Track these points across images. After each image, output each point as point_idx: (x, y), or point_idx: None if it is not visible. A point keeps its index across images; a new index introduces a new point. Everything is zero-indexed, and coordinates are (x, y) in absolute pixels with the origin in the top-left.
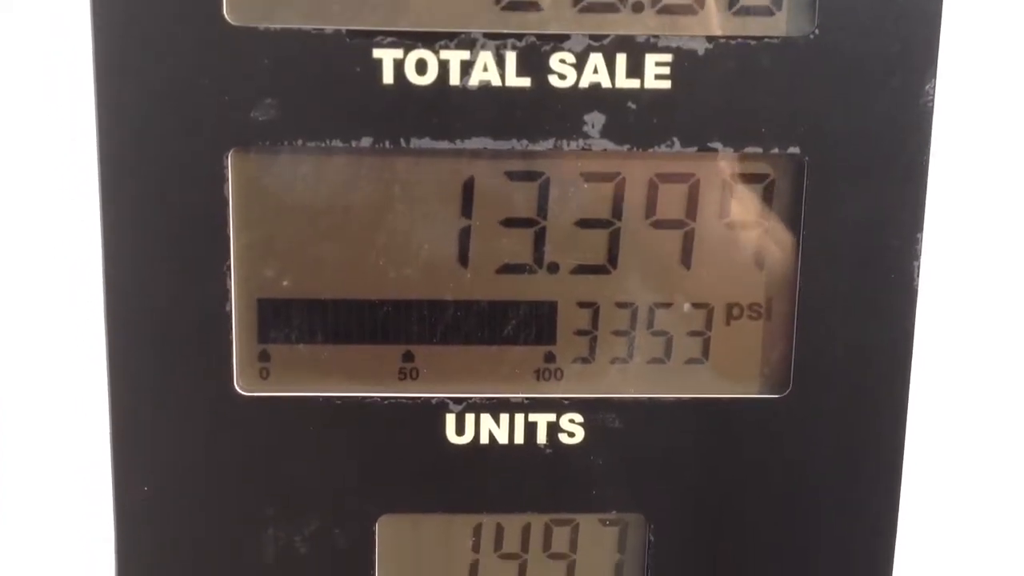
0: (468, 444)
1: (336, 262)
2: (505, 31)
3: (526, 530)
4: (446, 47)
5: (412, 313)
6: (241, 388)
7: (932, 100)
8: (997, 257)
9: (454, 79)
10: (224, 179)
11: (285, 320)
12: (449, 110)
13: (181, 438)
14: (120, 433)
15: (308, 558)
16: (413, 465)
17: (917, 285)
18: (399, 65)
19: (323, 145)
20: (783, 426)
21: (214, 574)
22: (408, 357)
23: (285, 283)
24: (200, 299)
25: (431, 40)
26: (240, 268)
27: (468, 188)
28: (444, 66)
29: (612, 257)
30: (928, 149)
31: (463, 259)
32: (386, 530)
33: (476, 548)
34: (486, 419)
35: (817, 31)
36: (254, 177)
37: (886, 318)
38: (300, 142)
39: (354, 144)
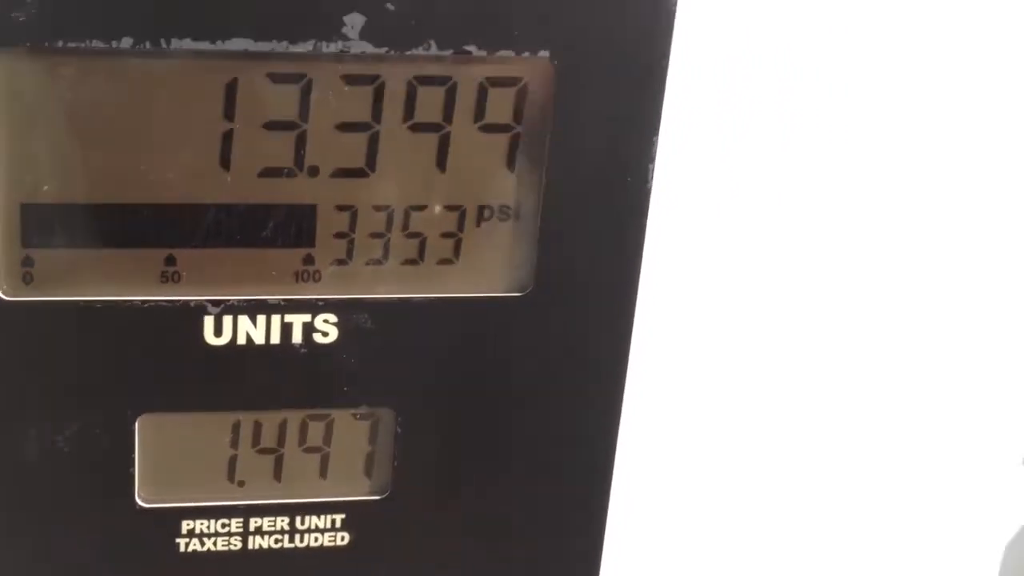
0: (226, 345)
1: (98, 167)
2: None
3: (283, 426)
4: None
5: (174, 217)
6: (4, 293)
7: (674, 5)
8: None
9: None
10: None
11: (48, 225)
12: (211, 9)
13: None
14: None
15: (71, 456)
16: (173, 366)
17: (650, 187)
18: None
19: (83, 46)
20: (523, 324)
21: None
22: (170, 261)
23: (46, 188)
24: None
25: None
26: (2, 174)
27: (231, 90)
28: None
29: (371, 160)
30: (668, 54)
31: (225, 162)
32: (146, 428)
33: (235, 444)
34: (243, 320)
35: None
36: (12, 80)
37: (620, 219)
38: (60, 43)
39: (114, 45)
